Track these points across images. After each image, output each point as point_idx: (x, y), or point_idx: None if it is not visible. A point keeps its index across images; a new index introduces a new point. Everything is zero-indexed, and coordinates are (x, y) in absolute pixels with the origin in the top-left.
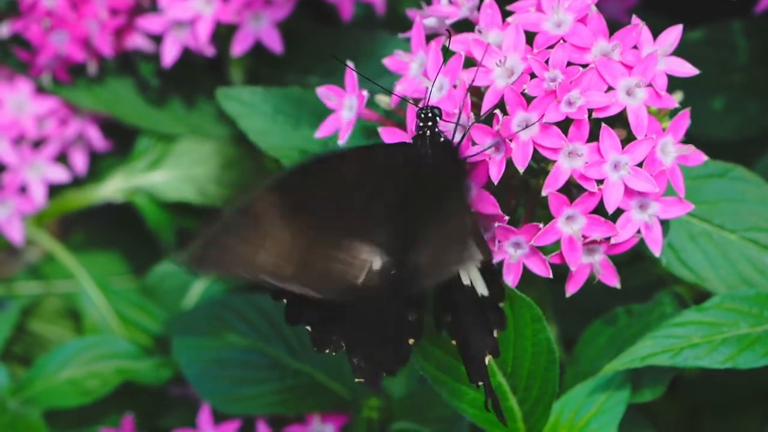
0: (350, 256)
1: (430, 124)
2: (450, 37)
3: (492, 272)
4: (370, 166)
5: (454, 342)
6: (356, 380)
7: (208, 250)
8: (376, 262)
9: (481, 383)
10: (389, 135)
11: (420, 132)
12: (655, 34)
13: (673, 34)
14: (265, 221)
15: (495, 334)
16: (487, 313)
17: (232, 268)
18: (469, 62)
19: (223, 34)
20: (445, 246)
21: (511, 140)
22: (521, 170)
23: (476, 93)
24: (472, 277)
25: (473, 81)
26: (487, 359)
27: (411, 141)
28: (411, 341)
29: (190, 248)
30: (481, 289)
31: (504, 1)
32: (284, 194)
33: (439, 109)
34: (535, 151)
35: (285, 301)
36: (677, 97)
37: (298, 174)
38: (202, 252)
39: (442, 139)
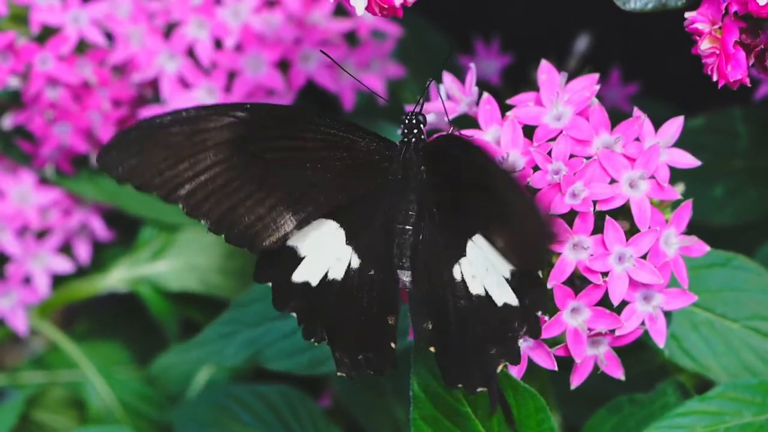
0: (273, 221)
1: (415, 131)
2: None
3: (531, 278)
4: (348, 149)
5: (432, 349)
6: (338, 374)
7: (135, 153)
8: (355, 260)
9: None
10: None
11: (405, 139)
12: (656, 120)
13: (675, 125)
14: (209, 148)
15: (520, 342)
16: (510, 322)
17: (150, 186)
18: None
19: None
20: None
21: None
22: None
23: None
24: (486, 285)
25: None
26: (500, 367)
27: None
28: (392, 345)
29: (115, 141)
30: (505, 299)
31: (502, 95)
32: (245, 128)
33: (424, 116)
34: None
35: (271, 284)
36: (679, 188)
37: (270, 116)
38: (126, 152)
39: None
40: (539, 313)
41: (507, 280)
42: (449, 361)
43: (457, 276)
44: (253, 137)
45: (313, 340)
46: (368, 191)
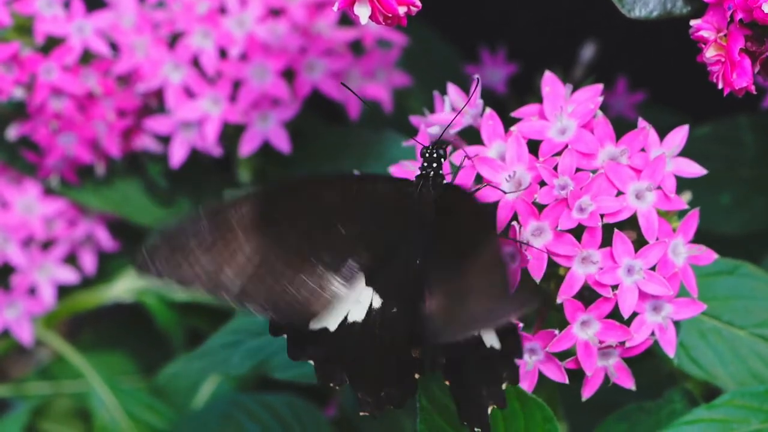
0: (319, 286)
1: (435, 165)
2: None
3: (508, 326)
4: (365, 197)
5: (447, 383)
6: (360, 413)
7: (168, 253)
8: (376, 300)
9: (478, 429)
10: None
11: (423, 172)
12: (662, 128)
13: (680, 134)
14: (238, 233)
15: (503, 386)
16: (497, 365)
17: (191, 280)
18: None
19: (230, 133)
20: (474, 299)
21: (525, 250)
22: (538, 280)
23: None
24: None
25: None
26: (490, 408)
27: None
28: (417, 376)
29: (147, 246)
30: (491, 341)
31: (509, 103)
32: (264, 207)
33: (444, 150)
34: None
35: (286, 336)
36: (686, 197)
37: (283, 189)
38: (160, 254)
39: (446, 182)
40: (516, 361)
41: None
42: (456, 397)
43: None
44: (274, 211)
45: (332, 384)
46: (388, 230)
